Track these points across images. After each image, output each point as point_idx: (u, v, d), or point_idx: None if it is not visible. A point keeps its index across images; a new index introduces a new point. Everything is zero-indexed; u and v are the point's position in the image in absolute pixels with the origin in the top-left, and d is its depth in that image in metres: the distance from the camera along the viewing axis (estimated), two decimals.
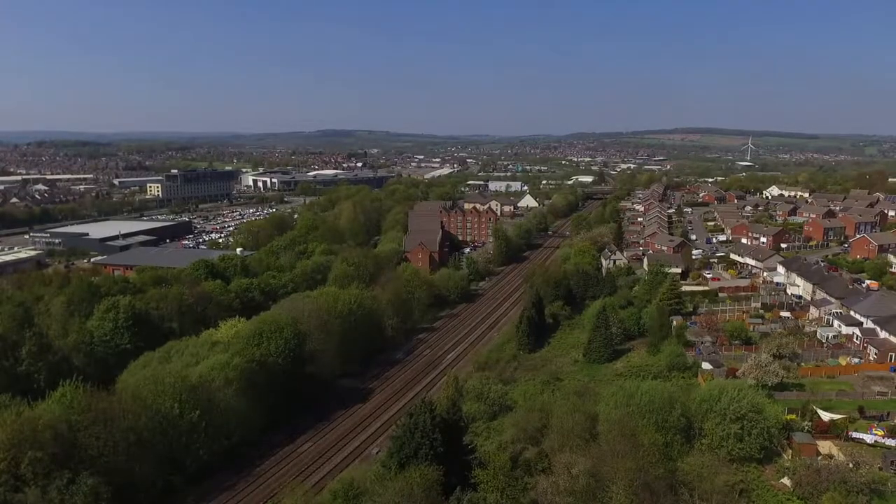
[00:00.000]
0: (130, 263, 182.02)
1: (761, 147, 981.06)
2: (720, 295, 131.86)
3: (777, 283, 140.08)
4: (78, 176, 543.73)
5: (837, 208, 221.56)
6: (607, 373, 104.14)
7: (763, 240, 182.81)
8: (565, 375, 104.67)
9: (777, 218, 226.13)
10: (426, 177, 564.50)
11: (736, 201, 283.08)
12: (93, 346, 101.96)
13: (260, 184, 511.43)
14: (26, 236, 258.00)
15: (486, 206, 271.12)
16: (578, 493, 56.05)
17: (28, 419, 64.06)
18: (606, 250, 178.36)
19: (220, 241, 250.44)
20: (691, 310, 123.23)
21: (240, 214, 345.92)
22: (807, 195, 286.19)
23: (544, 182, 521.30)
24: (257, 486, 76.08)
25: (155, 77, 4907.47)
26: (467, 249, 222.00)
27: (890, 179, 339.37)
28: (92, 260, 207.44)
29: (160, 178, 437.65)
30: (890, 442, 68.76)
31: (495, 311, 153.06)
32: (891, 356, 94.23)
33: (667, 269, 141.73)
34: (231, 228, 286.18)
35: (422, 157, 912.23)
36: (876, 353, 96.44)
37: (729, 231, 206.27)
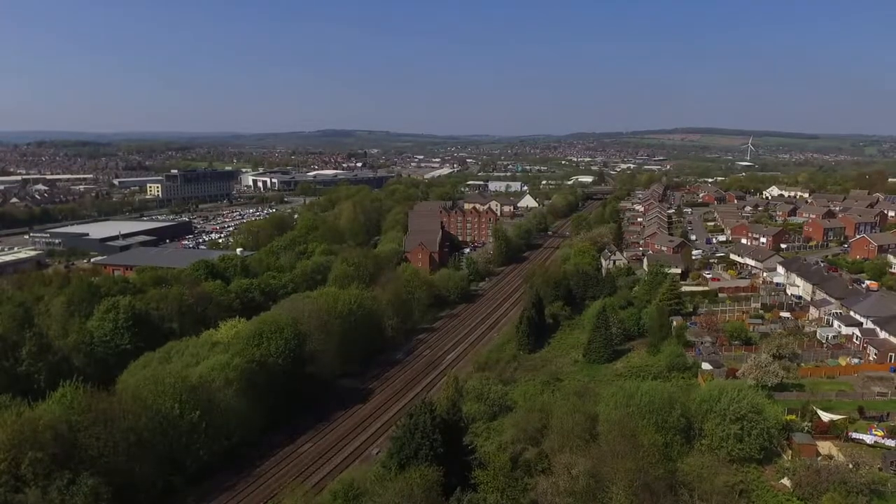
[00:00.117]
0: (130, 264, 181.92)
1: (761, 147, 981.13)
2: (720, 295, 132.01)
3: (777, 284, 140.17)
4: (78, 176, 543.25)
5: (837, 208, 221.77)
6: (607, 373, 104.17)
7: (763, 240, 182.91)
8: (565, 376, 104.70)
9: (777, 218, 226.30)
10: (426, 177, 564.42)
11: (736, 201, 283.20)
12: (93, 346, 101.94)
13: (260, 184, 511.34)
14: (26, 236, 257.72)
15: (485, 207, 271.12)
16: (578, 493, 56.09)
17: (28, 420, 64.07)
18: (606, 250, 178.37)
19: (220, 241, 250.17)
20: (691, 310, 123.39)
21: (240, 214, 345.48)
22: (807, 195, 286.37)
23: (544, 182, 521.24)
24: (257, 486, 76.08)
25: (155, 77, 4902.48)
26: (467, 250, 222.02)
27: (890, 179, 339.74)
28: (92, 260, 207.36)
29: (160, 178, 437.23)
30: (890, 442, 68.82)
31: (495, 312, 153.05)
32: (890, 356, 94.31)
33: (667, 270, 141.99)
34: (231, 228, 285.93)
35: (422, 157, 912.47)
36: (876, 354, 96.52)
37: (729, 231, 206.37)
